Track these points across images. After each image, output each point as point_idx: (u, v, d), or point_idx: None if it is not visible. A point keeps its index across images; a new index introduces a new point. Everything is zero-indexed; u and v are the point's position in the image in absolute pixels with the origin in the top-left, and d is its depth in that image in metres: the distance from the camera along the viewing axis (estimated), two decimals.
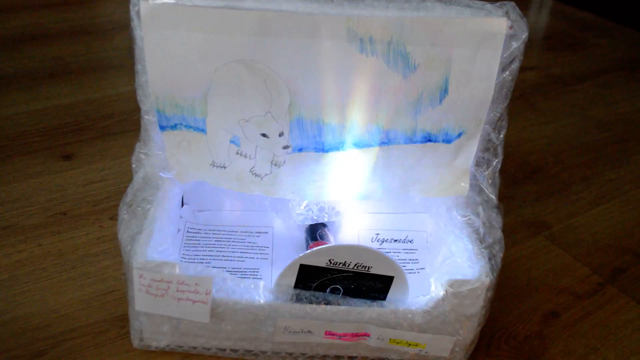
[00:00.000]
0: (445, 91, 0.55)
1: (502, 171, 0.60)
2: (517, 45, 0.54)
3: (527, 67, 1.24)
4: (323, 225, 0.68)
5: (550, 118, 1.06)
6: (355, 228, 0.69)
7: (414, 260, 0.66)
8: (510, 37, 0.53)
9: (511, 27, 0.53)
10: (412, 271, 0.64)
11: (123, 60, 1.08)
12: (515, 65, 0.55)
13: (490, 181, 0.60)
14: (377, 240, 0.68)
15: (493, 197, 0.60)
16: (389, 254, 0.61)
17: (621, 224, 0.80)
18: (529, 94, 1.14)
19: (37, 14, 1.26)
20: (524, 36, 0.53)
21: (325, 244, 0.63)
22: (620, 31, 1.49)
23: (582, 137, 1.01)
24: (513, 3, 0.53)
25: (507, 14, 0.53)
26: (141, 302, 0.52)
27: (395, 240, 0.68)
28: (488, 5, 0.53)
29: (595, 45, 1.40)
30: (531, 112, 1.07)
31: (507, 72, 0.55)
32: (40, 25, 1.22)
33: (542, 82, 1.20)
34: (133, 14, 0.51)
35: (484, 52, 0.53)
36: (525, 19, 0.53)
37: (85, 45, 1.15)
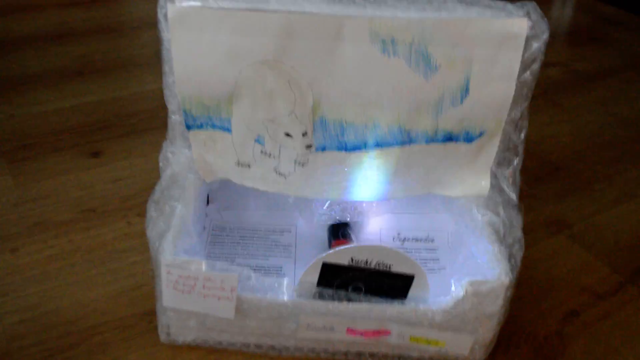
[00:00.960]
0: (466, 91, 0.55)
1: (524, 169, 0.60)
2: (537, 45, 0.53)
3: (550, 63, 1.22)
4: (345, 224, 0.69)
5: (572, 115, 1.05)
6: (377, 227, 0.70)
7: (434, 259, 0.66)
8: (531, 38, 0.53)
9: (532, 28, 0.53)
10: (432, 270, 0.65)
11: (149, 58, 1.09)
12: (536, 65, 0.55)
13: (511, 180, 0.60)
14: (399, 239, 0.69)
15: (514, 196, 0.60)
16: (410, 253, 0.61)
17: None
18: (551, 91, 1.13)
19: (63, 12, 1.28)
20: (544, 36, 0.53)
21: (347, 243, 0.64)
22: None
23: (605, 134, 1.00)
24: (534, 3, 0.53)
25: (528, 14, 0.53)
26: (168, 297, 0.53)
27: (417, 240, 0.69)
28: (509, 6, 0.53)
29: (619, 40, 1.38)
30: (553, 109, 1.07)
31: (528, 72, 0.55)
32: (67, 24, 1.24)
33: (565, 79, 1.18)
34: (160, 16, 0.52)
35: (505, 52, 0.53)
36: (546, 19, 0.53)
37: (111, 43, 1.16)
